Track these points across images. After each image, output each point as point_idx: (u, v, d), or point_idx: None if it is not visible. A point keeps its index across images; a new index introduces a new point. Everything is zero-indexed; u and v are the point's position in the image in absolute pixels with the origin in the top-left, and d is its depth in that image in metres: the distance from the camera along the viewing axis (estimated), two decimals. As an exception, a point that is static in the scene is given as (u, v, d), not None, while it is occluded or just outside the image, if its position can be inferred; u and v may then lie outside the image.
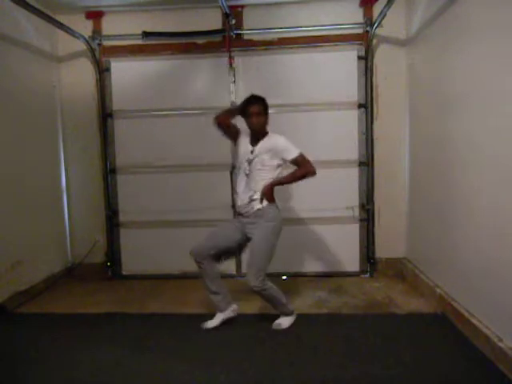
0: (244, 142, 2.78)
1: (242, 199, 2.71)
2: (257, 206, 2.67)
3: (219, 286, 2.82)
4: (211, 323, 2.80)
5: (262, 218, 2.68)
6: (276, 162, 2.70)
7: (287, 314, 2.85)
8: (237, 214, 2.84)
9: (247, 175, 2.71)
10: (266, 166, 2.68)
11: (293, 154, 2.69)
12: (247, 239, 2.77)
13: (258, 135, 2.72)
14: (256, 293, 2.68)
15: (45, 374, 2.31)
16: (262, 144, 2.70)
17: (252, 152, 2.70)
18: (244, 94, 3.86)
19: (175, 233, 4.03)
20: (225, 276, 3.88)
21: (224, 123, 2.76)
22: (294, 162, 2.72)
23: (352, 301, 3.27)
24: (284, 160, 2.72)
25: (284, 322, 2.81)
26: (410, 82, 3.69)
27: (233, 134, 2.82)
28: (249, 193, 2.69)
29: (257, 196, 2.67)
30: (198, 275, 3.86)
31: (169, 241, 4.03)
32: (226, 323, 2.84)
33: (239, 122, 2.82)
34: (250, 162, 2.69)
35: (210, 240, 2.76)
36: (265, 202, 2.67)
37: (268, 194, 2.68)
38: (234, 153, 2.91)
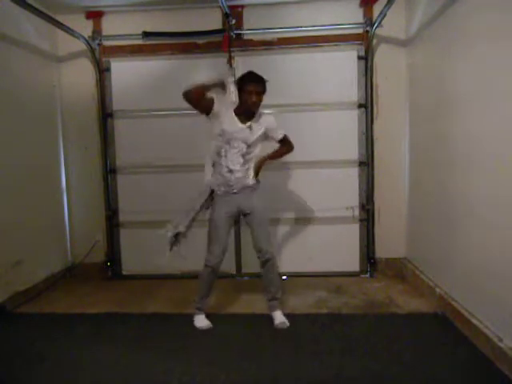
0: (229, 116, 2.67)
1: (237, 177, 2.70)
2: (251, 181, 2.75)
3: (212, 289, 2.92)
4: (207, 324, 2.83)
5: (256, 191, 2.78)
6: (263, 139, 2.79)
7: (277, 299, 2.89)
8: (224, 190, 2.73)
9: (243, 156, 2.70)
10: (259, 144, 2.77)
11: (282, 131, 2.85)
12: (240, 214, 2.83)
13: (250, 113, 2.70)
14: (268, 262, 2.78)
15: (45, 373, 2.31)
16: (257, 123, 2.72)
17: (242, 130, 2.66)
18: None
19: (175, 233, 4.02)
20: (225, 276, 3.91)
21: (197, 98, 2.60)
22: (283, 140, 2.88)
23: (352, 301, 3.27)
24: (271, 138, 2.83)
25: (283, 317, 2.83)
26: (410, 81, 3.69)
27: (205, 107, 2.65)
28: (245, 172, 2.72)
29: (250, 172, 2.74)
30: (197, 275, 3.89)
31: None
32: (226, 323, 2.86)
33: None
34: (248, 144, 2.69)
35: (220, 245, 2.78)
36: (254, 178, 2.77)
37: (260, 169, 2.81)
38: (214, 125, 2.67)
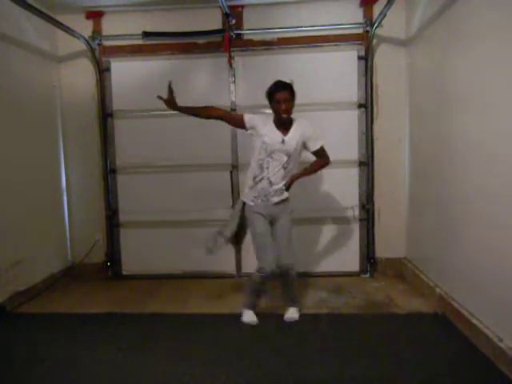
0: (269, 128, 2.69)
1: (275, 189, 2.72)
2: (286, 194, 2.77)
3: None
4: (253, 320, 2.86)
5: (288, 205, 2.82)
6: (301, 149, 2.78)
7: (297, 301, 3.00)
8: (261, 203, 2.74)
9: (284, 168, 2.71)
10: (299, 155, 2.77)
11: (320, 143, 2.77)
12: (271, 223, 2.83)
13: (285, 122, 2.69)
14: (288, 272, 2.80)
15: (45, 373, 2.31)
16: (294, 132, 2.71)
17: (283, 142, 2.66)
18: (244, 93, 3.89)
19: (175, 233, 4.03)
20: (225, 276, 3.91)
21: (205, 116, 2.85)
22: (319, 151, 2.80)
23: (352, 301, 3.27)
24: (307, 148, 2.78)
25: (295, 314, 2.93)
26: (410, 82, 3.69)
27: (235, 125, 2.81)
28: (282, 182, 2.74)
29: (284, 185, 2.76)
30: (197, 275, 3.91)
31: (169, 241, 4.03)
32: (226, 323, 2.87)
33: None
34: (288, 154, 2.68)
35: (271, 251, 2.74)
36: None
37: (291, 185, 2.78)
38: (256, 139, 2.72)
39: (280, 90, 2.63)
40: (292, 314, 2.92)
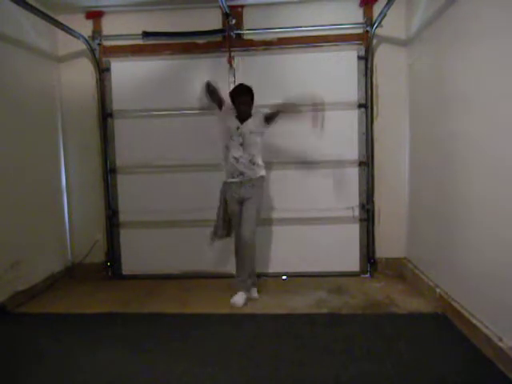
0: (231, 118, 3.29)
1: (242, 162, 3.22)
2: (256, 176, 3.25)
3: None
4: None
5: (257, 185, 3.27)
6: (261, 128, 3.28)
7: (243, 287, 3.28)
8: (234, 180, 3.26)
9: (241, 144, 3.23)
10: (254, 133, 3.26)
11: (265, 112, 3.26)
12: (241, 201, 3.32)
13: (243, 115, 3.27)
14: (244, 245, 3.22)
15: (45, 373, 2.31)
16: (248, 123, 3.26)
17: (238, 128, 3.24)
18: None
19: (175, 233, 4.03)
20: (225, 276, 3.91)
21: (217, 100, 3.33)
22: (271, 114, 3.24)
23: (352, 301, 3.27)
24: (266, 120, 3.25)
25: (239, 299, 3.20)
26: (410, 82, 3.69)
27: (219, 102, 3.33)
28: (248, 157, 3.23)
29: (256, 160, 3.25)
30: (197, 275, 3.91)
31: (169, 241, 4.03)
32: (226, 323, 2.87)
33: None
34: (242, 136, 3.23)
35: (220, 222, 3.37)
36: (261, 172, 3.29)
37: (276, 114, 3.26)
38: (223, 125, 3.34)
39: (242, 94, 3.23)
40: (234, 298, 3.21)
